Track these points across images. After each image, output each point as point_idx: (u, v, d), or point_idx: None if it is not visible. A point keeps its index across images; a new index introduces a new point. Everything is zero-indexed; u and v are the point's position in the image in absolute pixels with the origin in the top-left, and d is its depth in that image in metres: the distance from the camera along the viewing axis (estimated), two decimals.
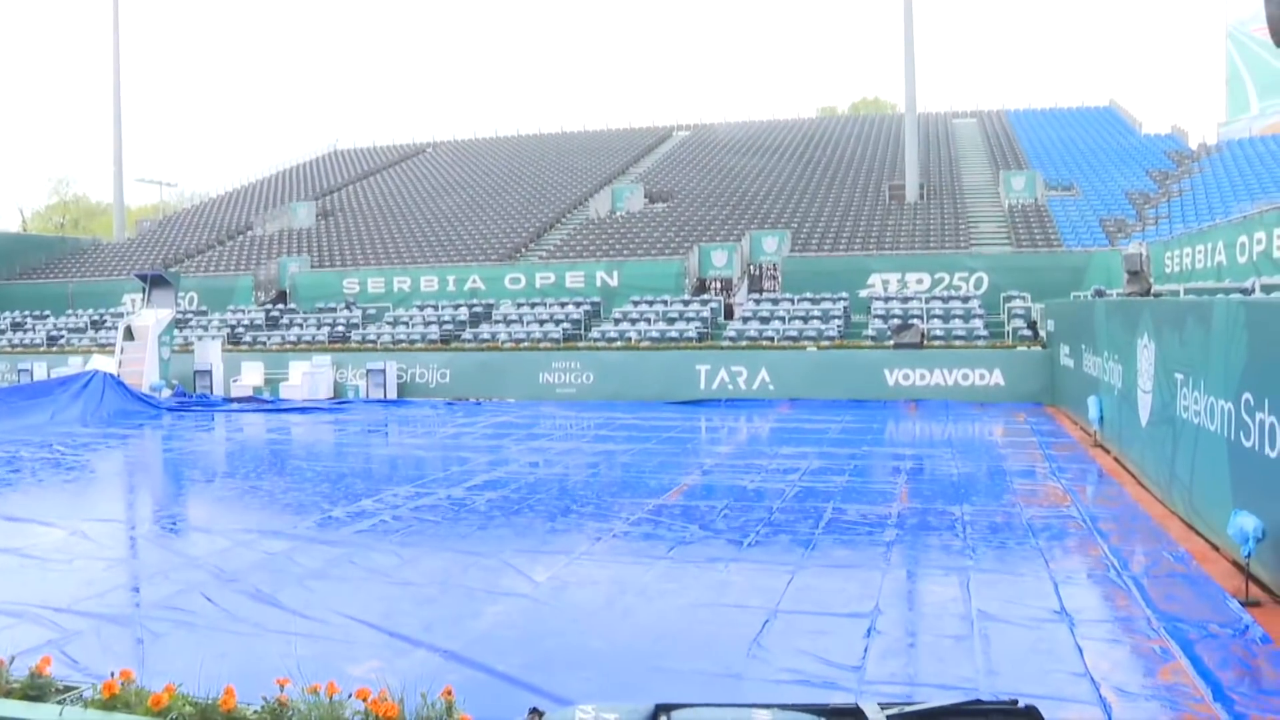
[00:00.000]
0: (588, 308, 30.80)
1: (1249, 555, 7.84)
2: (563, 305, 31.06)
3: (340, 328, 31.51)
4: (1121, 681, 6.24)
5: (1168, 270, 22.33)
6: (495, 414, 23.52)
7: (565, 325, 29.33)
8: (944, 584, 8.57)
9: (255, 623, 7.68)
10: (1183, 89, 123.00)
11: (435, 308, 32.29)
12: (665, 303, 30.25)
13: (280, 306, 35.01)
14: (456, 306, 32.15)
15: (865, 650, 6.86)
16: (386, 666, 6.45)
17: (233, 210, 52.72)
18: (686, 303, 30.28)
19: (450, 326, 30.59)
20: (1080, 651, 6.77)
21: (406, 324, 31.12)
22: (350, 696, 4.66)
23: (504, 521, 11.52)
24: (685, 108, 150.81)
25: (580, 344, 28.35)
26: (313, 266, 38.46)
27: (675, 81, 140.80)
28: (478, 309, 31.93)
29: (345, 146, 68.01)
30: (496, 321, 30.56)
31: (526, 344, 28.41)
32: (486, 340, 29.09)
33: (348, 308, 33.38)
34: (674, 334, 27.80)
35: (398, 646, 7.04)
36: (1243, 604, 7.69)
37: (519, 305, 31.48)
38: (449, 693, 4.76)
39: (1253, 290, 12.61)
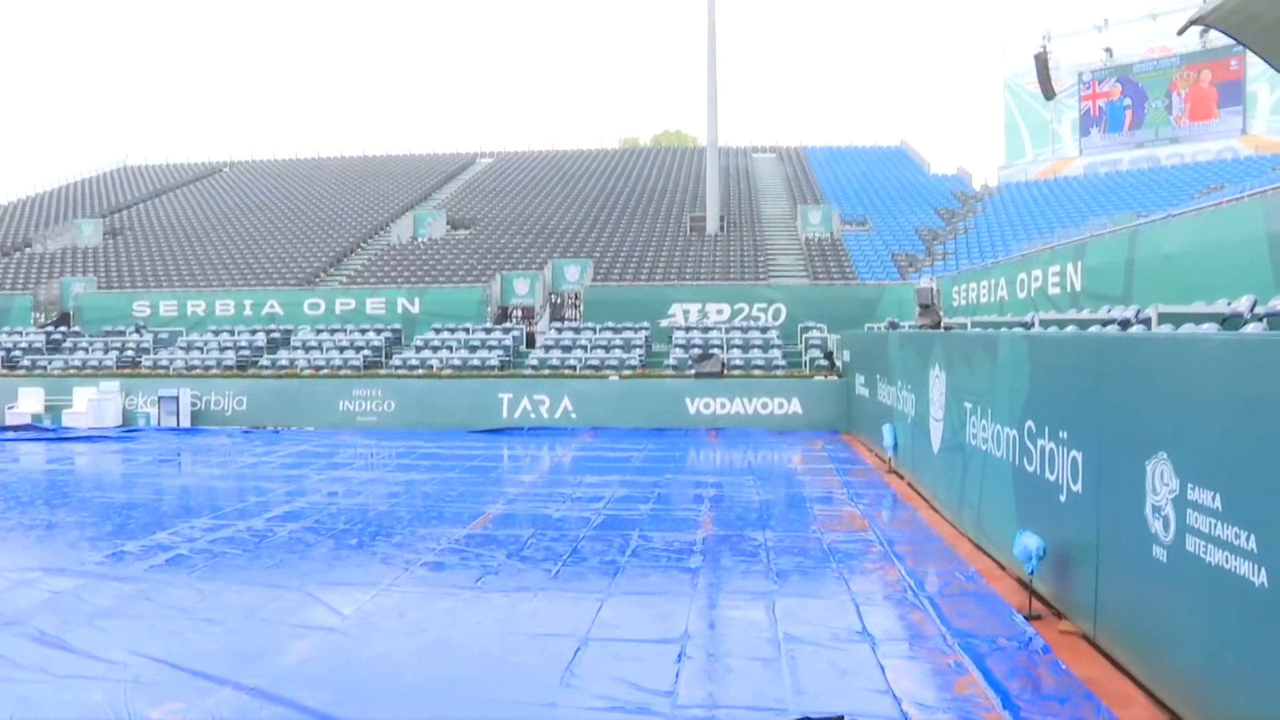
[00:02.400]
0: (389, 335, 30.32)
1: (1032, 572, 8.34)
2: (363, 332, 30.47)
3: (130, 352, 30.12)
4: (921, 696, 6.55)
5: (956, 304, 23.43)
6: (294, 442, 22.88)
7: (366, 352, 28.79)
8: (750, 608, 8.78)
9: (39, 668, 7.25)
10: (967, 133, 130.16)
11: (231, 332, 31.21)
12: (467, 330, 30.03)
13: (63, 329, 33.19)
14: (254, 331, 31.16)
15: (677, 675, 6.98)
16: (189, 707, 6.22)
17: (8, 225, 49.72)
18: (489, 331, 30.12)
19: (247, 352, 29.62)
20: (882, 669, 7.06)
21: (201, 349, 29.97)
22: None
23: (307, 553, 11.23)
24: (488, 135, 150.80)
25: (381, 371, 27.88)
26: (100, 287, 36.69)
27: (479, 109, 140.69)
28: (275, 334, 31.02)
29: (136, 163, 65.21)
30: (295, 348, 29.74)
31: (326, 371, 27.76)
32: (285, 367, 28.29)
33: (138, 331, 31.92)
34: (476, 362, 27.63)
35: (200, 686, 6.77)
36: (1026, 618, 8.19)
37: (318, 331, 30.73)
38: None
39: (1033, 325, 13.35)
